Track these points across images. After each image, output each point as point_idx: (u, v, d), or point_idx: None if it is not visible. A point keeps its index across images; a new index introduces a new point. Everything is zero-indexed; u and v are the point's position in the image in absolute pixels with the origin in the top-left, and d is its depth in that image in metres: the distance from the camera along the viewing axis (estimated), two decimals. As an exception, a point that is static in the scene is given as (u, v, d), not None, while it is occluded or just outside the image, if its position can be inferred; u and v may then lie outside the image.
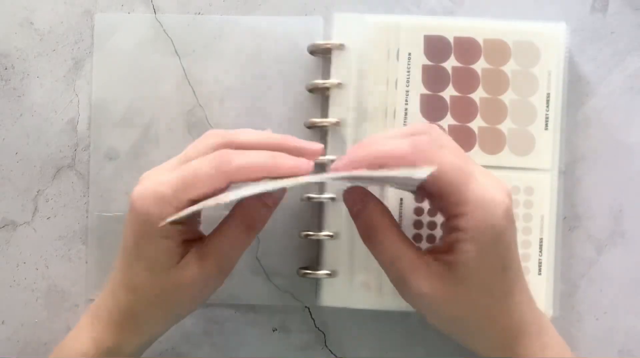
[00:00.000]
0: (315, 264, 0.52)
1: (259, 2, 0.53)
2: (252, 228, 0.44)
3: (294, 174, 0.41)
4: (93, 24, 0.53)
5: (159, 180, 0.41)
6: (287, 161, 0.41)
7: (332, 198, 0.50)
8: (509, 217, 0.39)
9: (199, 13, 0.53)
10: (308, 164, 0.41)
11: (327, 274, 0.50)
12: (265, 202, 0.43)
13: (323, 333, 0.53)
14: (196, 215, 0.45)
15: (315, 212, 0.52)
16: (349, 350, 0.53)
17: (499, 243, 0.39)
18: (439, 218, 0.50)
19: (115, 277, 0.44)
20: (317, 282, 0.51)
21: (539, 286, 0.50)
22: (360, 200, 0.43)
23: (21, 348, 0.53)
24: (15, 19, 0.54)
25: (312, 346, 0.53)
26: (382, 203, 0.43)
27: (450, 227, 0.40)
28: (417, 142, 0.39)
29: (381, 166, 0.39)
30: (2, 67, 0.54)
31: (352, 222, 0.46)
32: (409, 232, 0.50)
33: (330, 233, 0.50)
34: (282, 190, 0.45)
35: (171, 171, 0.41)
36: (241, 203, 0.43)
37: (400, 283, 0.41)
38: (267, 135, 0.44)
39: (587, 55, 0.53)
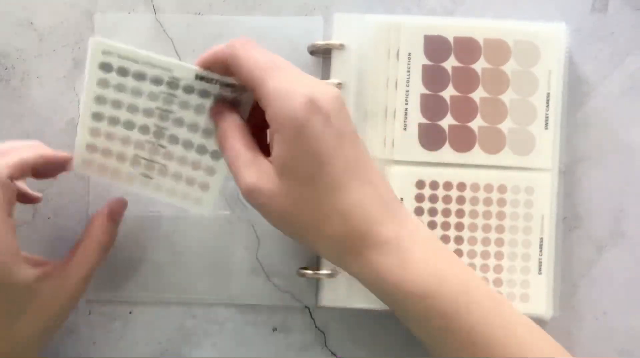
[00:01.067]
0: (315, 264, 0.52)
1: (259, 2, 0.53)
2: (105, 245, 0.48)
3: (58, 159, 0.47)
4: (93, 24, 0.53)
5: None
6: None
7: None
8: (314, 109, 0.39)
9: (199, 13, 0.53)
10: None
11: (327, 274, 0.50)
12: (112, 217, 0.48)
13: (323, 333, 0.53)
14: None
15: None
16: (349, 350, 0.53)
17: (303, 135, 0.39)
18: (439, 218, 0.50)
19: None
20: (317, 282, 0.51)
21: (539, 285, 0.50)
22: (220, 112, 0.44)
23: (21, 348, 0.53)
24: (15, 19, 0.54)
25: (312, 346, 0.53)
26: (234, 115, 0.44)
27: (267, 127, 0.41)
28: (232, 41, 0.42)
29: (212, 63, 0.43)
30: (2, 68, 0.54)
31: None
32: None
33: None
34: (124, 203, 0.50)
35: None
36: (92, 224, 0.48)
37: (237, 184, 0.42)
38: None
39: (587, 55, 0.53)
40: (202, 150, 0.47)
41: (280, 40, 0.53)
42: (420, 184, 0.51)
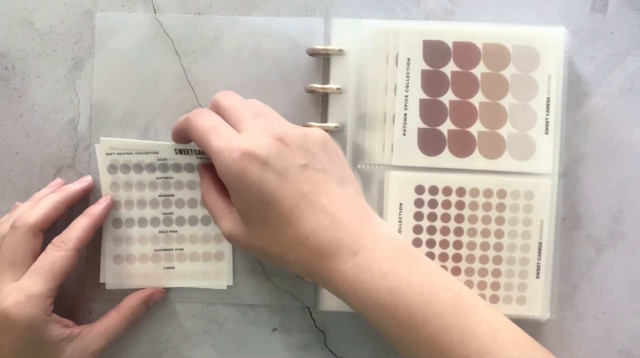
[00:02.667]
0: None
1: (259, 2, 0.53)
2: (131, 323, 0.52)
3: (84, 192, 0.53)
4: (93, 24, 0.53)
5: (23, 286, 0.47)
6: (72, 186, 0.52)
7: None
8: (249, 159, 0.43)
9: (199, 13, 0.53)
10: (87, 178, 0.53)
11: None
12: (147, 304, 0.52)
13: (323, 333, 0.53)
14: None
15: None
16: (349, 350, 0.53)
17: (243, 184, 0.43)
18: (439, 223, 0.50)
19: None
20: (317, 284, 0.51)
21: (537, 289, 0.50)
22: (200, 173, 0.51)
23: (22, 348, 0.53)
24: (16, 19, 0.54)
25: (312, 346, 0.53)
26: (210, 173, 0.49)
27: None
28: (190, 112, 0.48)
29: (178, 134, 0.49)
30: (3, 67, 0.54)
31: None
32: (409, 236, 0.50)
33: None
34: (164, 296, 0.53)
35: (17, 273, 0.48)
36: (126, 301, 0.52)
37: (220, 229, 0.47)
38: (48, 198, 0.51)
39: (587, 56, 0.53)
40: (205, 221, 0.53)
41: (280, 41, 0.53)
42: (419, 189, 0.50)
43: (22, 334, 0.46)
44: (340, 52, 0.50)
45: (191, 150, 0.51)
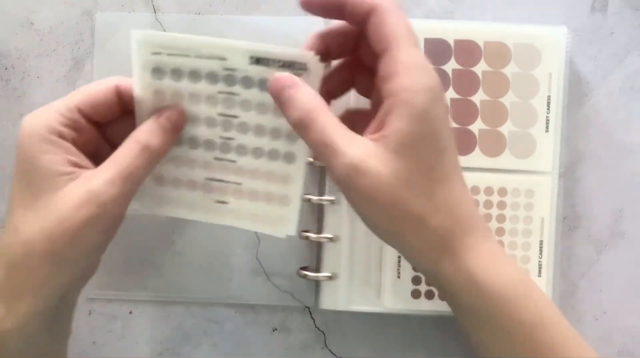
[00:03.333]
0: (315, 265, 0.52)
1: (259, 2, 0.53)
2: (151, 149, 0.40)
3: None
4: (93, 24, 0.53)
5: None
6: None
7: (332, 201, 0.50)
8: (442, 93, 0.37)
9: (199, 13, 0.53)
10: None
11: (327, 277, 0.50)
12: (164, 121, 0.41)
13: (323, 333, 0.53)
14: (93, 135, 0.42)
15: (314, 212, 0.52)
16: (349, 350, 0.53)
17: (433, 113, 0.36)
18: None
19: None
20: (317, 284, 0.52)
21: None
22: (291, 85, 0.38)
23: (22, 348, 0.53)
24: (15, 19, 0.54)
25: (312, 346, 0.53)
26: (307, 86, 0.39)
27: (382, 95, 0.37)
28: None
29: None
30: (2, 67, 0.54)
31: (353, 224, 0.46)
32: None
33: (331, 236, 0.50)
34: (181, 114, 0.42)
35: None
36: (142, 127, 0.41)
37: (334, 164, 0.36)
38: None
39: (587, 56, 0.53)
40: (273, 155, 0.43)
41: (280, 40, 0.53)
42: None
43: (20, 149, 0.39)
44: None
45: (274, 59, 0.40)
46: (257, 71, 0.40)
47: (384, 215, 0.37)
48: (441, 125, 0.36)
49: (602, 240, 0.53)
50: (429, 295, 0.50)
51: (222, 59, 0.40)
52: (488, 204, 0.50)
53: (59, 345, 0.43)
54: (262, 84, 0.41)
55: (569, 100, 0.51)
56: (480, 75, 0.50)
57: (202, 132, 0.42)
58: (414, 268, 0.48)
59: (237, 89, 0.41)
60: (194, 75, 0.41)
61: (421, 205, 0.36)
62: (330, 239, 0.50)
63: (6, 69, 0.54)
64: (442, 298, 0.43)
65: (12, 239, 0.38)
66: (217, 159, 0.43)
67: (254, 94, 0.41)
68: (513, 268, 0.38)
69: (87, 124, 0.41)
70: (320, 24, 0.52)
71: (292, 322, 0.53)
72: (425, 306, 0.50)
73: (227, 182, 0.43)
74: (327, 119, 0.37)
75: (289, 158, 0.43)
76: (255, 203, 0.44)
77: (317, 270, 0.51)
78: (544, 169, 0.50)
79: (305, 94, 0.38)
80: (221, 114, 0.42)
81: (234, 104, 0.42)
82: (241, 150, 0.43)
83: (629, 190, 0.53)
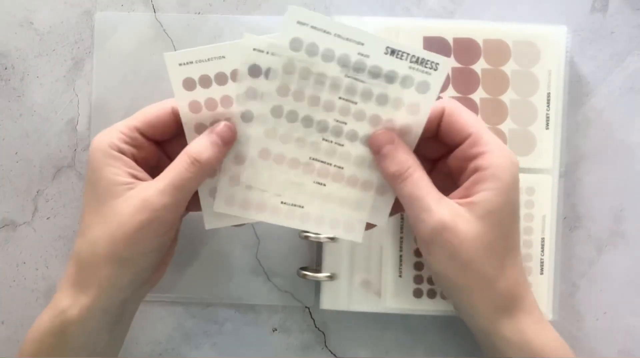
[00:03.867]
0: (315, 265, 0.52)
1: (259, 2, 0.53)
2: (203, 162, 0.42)
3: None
4: (93, 24, 0.53)
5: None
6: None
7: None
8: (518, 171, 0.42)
9: (199, 13, 0.53)
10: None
11: (327, 277, 0.50)
12: (216, 141, 0.43)
13: (323, 333, 0.53)
14: (152, 151, 0.45)
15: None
16: (349, 350, 0.53)
17: (515, 189, 0.41)
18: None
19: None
20: (317, 284, 0.51)
21: (541, 286, 0.50)
22: (390, 141, 0.43)
23: (21, 348, 0.53)
24: (15, 19, 0.54)
25: (312, 346, 0.53)
26: (407, 147, 0.43)
27: (469, 170, 0.42)
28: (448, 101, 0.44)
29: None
30: (2, 67, 0.54)
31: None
32: (412, 232, 0.50)
33: (331, 236, 0.50)
34: (232, 130, 0.43)
35: None
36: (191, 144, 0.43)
37: (423, 220, 0.40)
38: None
39: (587, 55, 0.53)
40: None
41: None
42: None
43: (89, 163, 0.43)
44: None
45: (408, 54, 0.42)
46: (390, 62, 0.42)
47: (460, 271, 0.41)
48: (518, 199, 0.42)
49: (602, 240, 0.53)
50: (431, 294, 0.50)
51: (360, 44, 0.41)
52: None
53: (116, 347, 0.47)
54: (389, 78, 0.42)
55: (569, 100, 0.51)
56: (479, 73, 0.50)
57: (319, 112, 0.43)
58: (470, 326, 0.46)
59: (363, 76, 0.42)
60: (327, 55, 0.42)
61: (494, 268, 0.41)
62: (331, 239, 0.50)
63: (6, 68, 0.54)
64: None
65: (82, 240, 0.43)
66: (325, 140, 0.44)
67: (378, 85, 0.42)
68: (557, 335, 0.43)
69: (146, 142, 0.44)
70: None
71: (292, 322, 0.53)
72: (427, 305, 0.50)
73: (331, 164, 0.44)
74: (422, 176, 0.42)
75: None
76: (351, 190, 0.44)
77: (317, 270, 0.51)
78: (545, 166, 0.50)
79: (405, 150, 0.42)
80: (342, 98, 0.43)
81: (356, 90, 0.43)
82: (351, 136, 0.43)
83: (629, 190, 0.53)
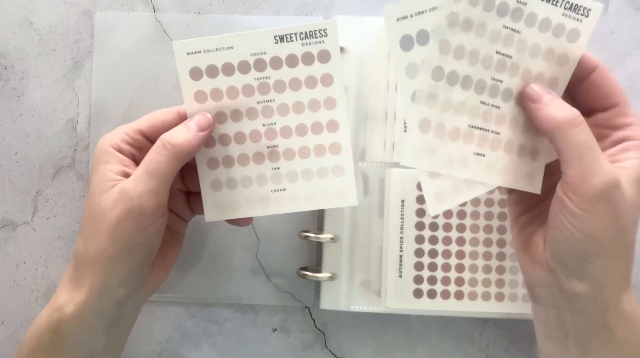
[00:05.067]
0: (315, 265, 0.52)
1: (259, 2, 0.53)
2: (177, 149, 0.42)
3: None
4: (93, 24, 0.53)
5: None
6: None
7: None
8: None
9: (199, 13, 0.53)
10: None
11: (327, 277, 0.50)
12: (190, 126, 0.43)
13: (323, 333, 0.53)
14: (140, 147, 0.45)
15: (315, 212, 0.52)
16: (349, 350, 0.53)
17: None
18: (441, 220, 0.50)
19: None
20: (317, 284, 0.51)
21: None
22: (548, 91, 0.41)
23: (21, 348, 0.53)
24: (15, 19, 0.54)
25: (312, 346, 0.53)
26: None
27: (614, 138, 0.42)
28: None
29: None
30: (2, 67, 0.53)
31: (352, 225, 0.46)
32: (411, 233, 0.50)
33: (331, 236, 0.50)
34: (208, 118, 0.44)
35: None
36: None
37: (590, 166, 0.38)
38: None
39: (587, 56, 0.53)
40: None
41: (280, 40, 0.53)
42: (421, 186, 0.50)
43: (95, 156, 0.44)
44: (341, 50, 0.50)
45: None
46: (544, 9, 0.41)
47: (616, 234, 0.39)
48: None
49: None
50: (431, 294, 0.50)
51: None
52: (489, 203, 0.50)
53: (115, 350, 0.46)
54: (543, 25, 0.41)
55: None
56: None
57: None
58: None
59: (520, 25, 0.41)
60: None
61: (633, 235, 0.40)
62: (331, 239, 0.50)
63: (5, 68, 0.53)
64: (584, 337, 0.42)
65: (79, 237, 0.43)
66: (483, 103, 0.42)
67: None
68: None
69: (149, 145, 0.44)
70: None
71: (292, 322, 0.53)
72: (426, 305, 0.50)
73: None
74: (588, 133, 0.39)
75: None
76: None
77: (317, 270, 0.51)
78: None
79: (566, 104, 0.40)
80: (499, 52, 0.41)
81: (512, 42, 0.41)
82: (507, 96, 0.42)
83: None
